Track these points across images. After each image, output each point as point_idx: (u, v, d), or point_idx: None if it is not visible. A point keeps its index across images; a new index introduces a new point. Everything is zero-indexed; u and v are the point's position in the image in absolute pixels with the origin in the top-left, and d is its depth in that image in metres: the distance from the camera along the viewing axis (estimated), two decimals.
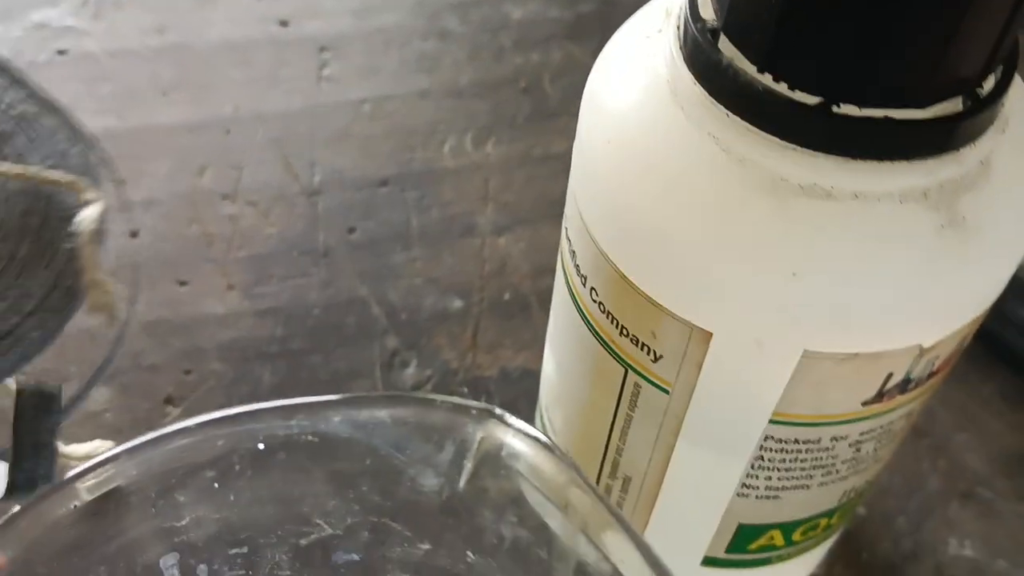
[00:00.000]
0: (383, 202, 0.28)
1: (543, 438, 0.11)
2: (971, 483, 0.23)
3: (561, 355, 0.18)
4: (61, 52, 0.31)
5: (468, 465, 0.11)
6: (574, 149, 0.15)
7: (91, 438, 0.22)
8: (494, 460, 0.11)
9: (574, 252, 0.16)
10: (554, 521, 0.11)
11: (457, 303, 0.26)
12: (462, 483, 0.12)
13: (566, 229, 0.16)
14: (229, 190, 0.28)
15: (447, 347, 0.25)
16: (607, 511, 0.10)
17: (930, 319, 0.13)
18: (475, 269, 0.27)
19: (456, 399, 0.12)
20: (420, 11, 0.33)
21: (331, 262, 0.27)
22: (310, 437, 0.11)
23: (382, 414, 0.11)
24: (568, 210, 0.16)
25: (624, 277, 0.14)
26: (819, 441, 0.15)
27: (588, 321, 0.16)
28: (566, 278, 0.17)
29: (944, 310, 0.13)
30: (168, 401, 0.24)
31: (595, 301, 0.15)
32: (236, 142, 0.29)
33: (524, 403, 0.24)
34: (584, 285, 0.16)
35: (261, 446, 0.11)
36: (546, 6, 0.33)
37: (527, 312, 0.26)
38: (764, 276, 0.13)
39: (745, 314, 0.13)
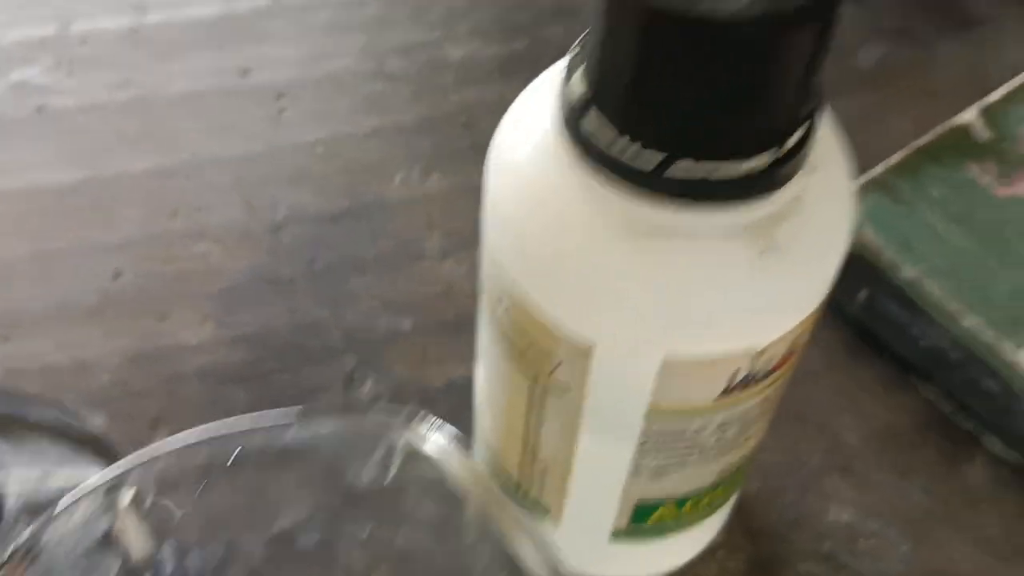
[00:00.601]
0: (340, 234, 0.32)
1: (451, 437, 0.15)
2: (849, 458, 0.26)
3: (486, 365, 0.21)
4: (39, 109, 0.34)
5: (396, 461, 0.15)
6: (484, 190, 0.19)
7: (100, 454, 0.25)
8: (415, 456, 0.15)
9: (488, 280, 0.19)
10: (462, 500, 0.15)
11: (408, 323, 0.29)
12: (392, 475, 0.15)
13: (483, 258, 0.20)
14: (199, 230, 0.31)
15: (400, 363, 0.29)
16: (496, 491, 0.14)
17: (759, 327, 0.17)
18: (423, 291, 0.30)
19: (385, 408, 0.15)
20: (367, 55, 0.37)
21: (294, 291, 0.30)
22: (271, 447, 0.15)
23: (327, 425, 0.15)
24: (483, 241, 0.19)
25: (526, 300, 0.18)
26: (687, 428, 0.19)
27: (504, 338, 0.19)
28: (485, 299, 0.20)
29: (770, 319, 0.17)
30: (156, 423, 0.27)
31: (507, 321, 0.19)
32: (203, 186, 0.32)
33: (468, 409, 0.28)
34: (498, 306, 0.19)
35: (234, 457, 0.15)
36: (482, 46, 0.37)
37: (470, 329, 0.29)
38: (627, 299, 0.16)
39: (615, 329, 0.17)
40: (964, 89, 0.35)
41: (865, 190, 0.30)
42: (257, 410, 0.28)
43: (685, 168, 0.15)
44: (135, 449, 0.27)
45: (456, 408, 0.28)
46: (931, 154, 0.32)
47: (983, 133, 0.32)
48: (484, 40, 0.37)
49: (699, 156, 0.15)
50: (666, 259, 0.16)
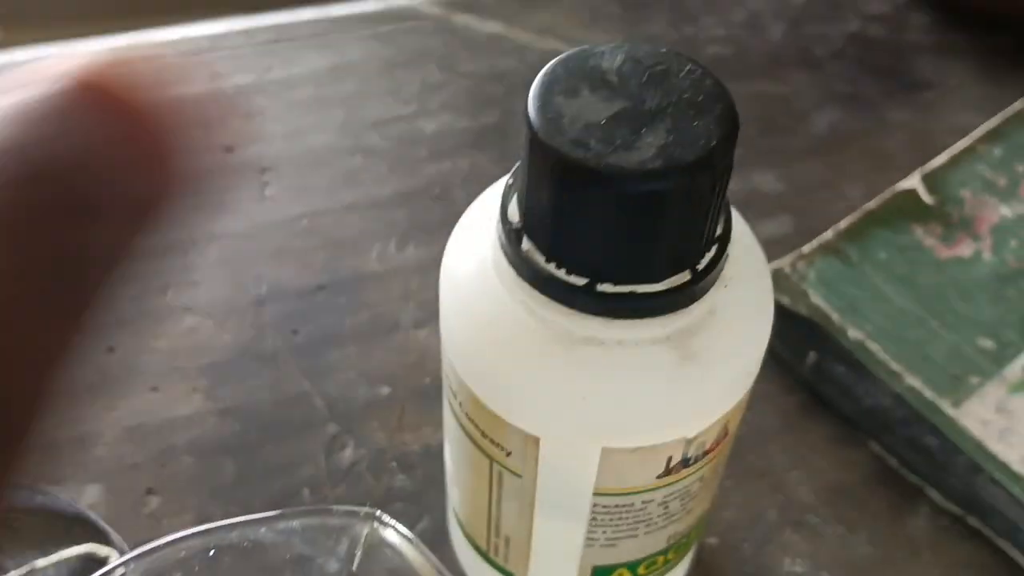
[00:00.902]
0: (321, 306, 0.33)
1: (407, 532, 0.17)
2: (802, 512, 0.28)
3: (451, 449, 0.23)
4: None
5: (358, 553, 0.17)
6: (440, 303, 0.21)
7: (87, 531, 0.27)
8: (376, 548, 0.17)
9: (448, 377, 0.21)
10: None
11: (385, 391, 0.31)
12: (355, 567, 0.17)
13: (443, 360, 0.22)
14: (189, 305, 0.33)
15: (378, 430, 0.30)
16: None
17: (685, 421, 0.19)
18: (399, 360, 0.32)
19: (348, 507, 0.17)
20: (346, 131, 0.39)
21: (278, 363, 0.32)
22: (246, 544, 0.17)
23: (295, 523, 0.17)
24: (442, 344, 0.21)
25: (477, 399, 0.20)
26: (633, 505, 0.20)
27: (463, 427, 0.21)
28: (446, 394, 0.22)
29: (693, 414, 0.19)
30: (149, 492, 0.29)
31: (464, 413, 0.21)
32: (194, 262, 0.34)
33: (444, 474, 0.29)
34: (456, 399, 0.21)
35: (212, 553, 0.16)
36: (454, 119, 0.39)
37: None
38: (564, 401, 0.18)
39: (556, 426, 0.19)
40: (914, 152, 0.37)
41: (815, 255, 0.32)
42: (244, 478, 0.30)
43: (608, 289, 0.17)
44: (128, 521, 0.29)
45: (432, 472, 0.30)
46: (879, 218, 0.33)
47: (927, 197, 0.34)
48: (456, 113, 0.39)
49: (617, 280, 0.17)
50: (596, 365, 0.18)
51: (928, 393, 0.29)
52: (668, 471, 0.20)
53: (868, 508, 0.28)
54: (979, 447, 0.28)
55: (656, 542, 0.22)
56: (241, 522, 0.16)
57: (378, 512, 0.17)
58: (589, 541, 0.22)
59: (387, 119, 0.39)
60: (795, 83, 0.39)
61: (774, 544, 0.27)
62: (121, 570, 0.17)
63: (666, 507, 0.21)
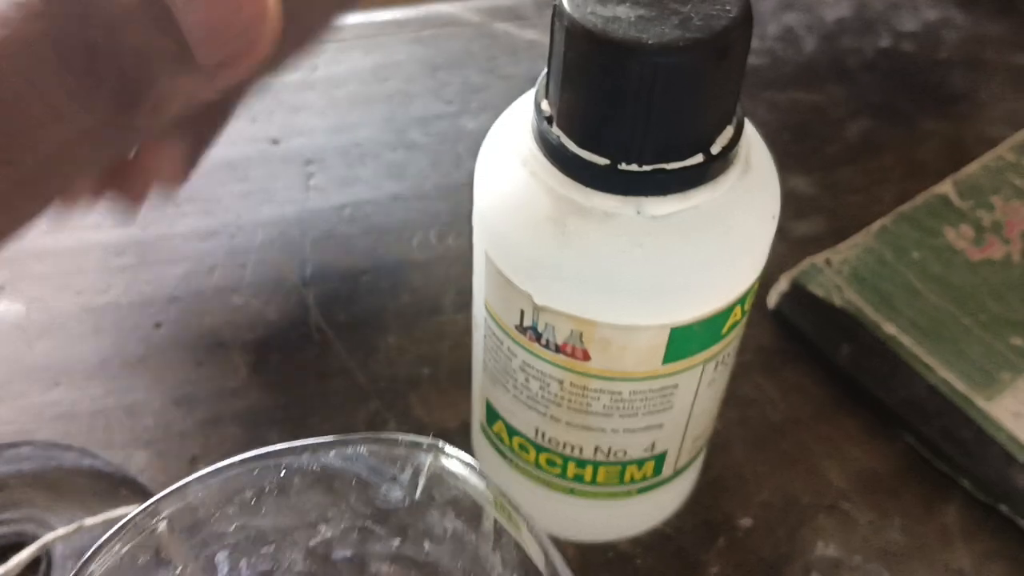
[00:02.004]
0: (364, 290, 0.34)
1: (470, 460, 0.17)
2: (835, 498, 0.28)
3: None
4: None
5: (421, 482, 0.17)
6: (474, 199, 0.22)
7: (134, 493, 0.28)
8: (438, 477, 0.17)
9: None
10: (479, 514, 0.17)
11: (426, 371, 0.32)
12: (417, 494, 0.17)
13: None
14: (236, 285, 0.34)
15: (419, 406, 0.31)
16: (509, 504, 0.16)
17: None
18: (439, 342, 0.33)
19: (413, 436, 0.17)
20: (389, 126, 0.40)
21: (323, 341, 0.33)
22: (315, 467, 0.17)
23: (362, 449, 0.17)
24: (475, 246, 0.22)
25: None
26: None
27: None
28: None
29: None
30: (194, 460, 0.30)
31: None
32: (240, 245, 0.35)
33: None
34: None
35: (283, 473, 0.17)
36: (494, 118, 0.40)
37: None
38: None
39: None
40: (944, 160, 0.37)
41: (850, 251, 0.33)
42: None
43: (634, 168, 0.19)
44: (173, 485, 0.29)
45: (468, 449, 0.30)
46: (912, 220, 0.34)
47: (959, 201, 0.35)
48: (496, 113, 0.40)
49: (640, 162, 0.19)
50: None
51: (961, 386, 0.29)
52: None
53: (900, 497, 0.29)
54: (1012, 438, 0.28)
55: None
56: (311, 444, 0.17)
57: (441, 443, 0.17)
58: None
59: (429, 117, 0.40)
60: (829, 93, 0.39)
61: (807, 527, 0.28)
62: (162, 505, 0.17)
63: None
